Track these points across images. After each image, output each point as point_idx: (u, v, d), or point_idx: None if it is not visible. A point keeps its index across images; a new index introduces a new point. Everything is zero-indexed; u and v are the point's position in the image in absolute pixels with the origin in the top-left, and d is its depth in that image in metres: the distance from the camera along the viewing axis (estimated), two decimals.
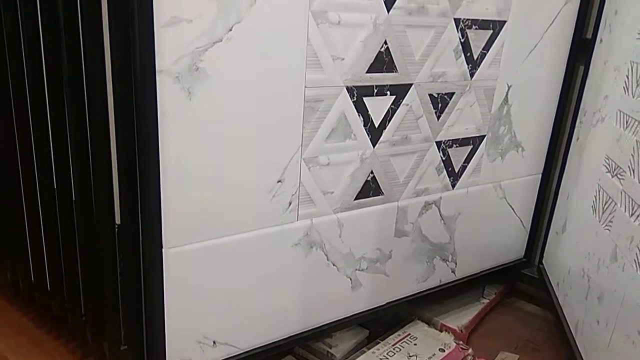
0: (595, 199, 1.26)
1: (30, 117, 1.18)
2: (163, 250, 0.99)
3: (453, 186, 1.43)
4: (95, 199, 1.07)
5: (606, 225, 1.18)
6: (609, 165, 1.20)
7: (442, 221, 1.45)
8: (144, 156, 0.91)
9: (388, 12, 1.13)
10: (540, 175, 1.62)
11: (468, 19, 1.26)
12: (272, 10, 0.98)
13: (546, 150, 1.59)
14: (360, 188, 1.25)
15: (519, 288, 1.79)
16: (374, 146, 1.23)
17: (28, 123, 1.19)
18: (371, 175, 1.25)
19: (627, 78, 1.17)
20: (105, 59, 0.94)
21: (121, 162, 0.97)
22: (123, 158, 0.95)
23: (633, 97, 1.12)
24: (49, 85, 1.10)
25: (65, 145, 1.10)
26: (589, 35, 1.47)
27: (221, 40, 0.94)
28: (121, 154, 0.96)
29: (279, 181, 1.11)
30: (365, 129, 1.20)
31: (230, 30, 0.94)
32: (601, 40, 1.40)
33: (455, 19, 1.24)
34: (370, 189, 1.26)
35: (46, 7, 1.03)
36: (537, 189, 1.63)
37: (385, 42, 1.15)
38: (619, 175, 1.14)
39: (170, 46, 0.88)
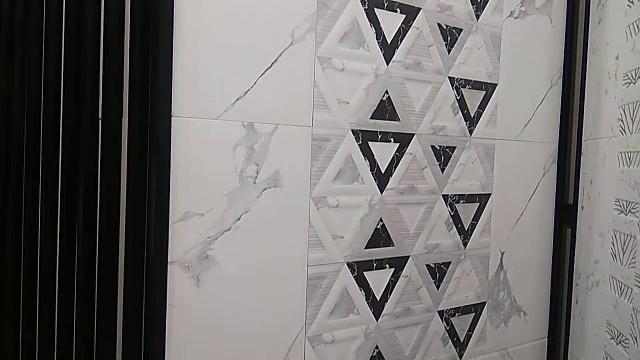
0: None
1: (38, 297, 1.19)
2: None
3: (460, 356, 1.40)
4: None
5: None
6: (611, 331, 1.21)
7: None
8: (150, 347, 0.92)
9: (382, 193, 1.23)
10: (547, 339, 1.59)
11: (455, 194, 1.36)
12: (276, 199, 1.07)
13: (548, 313, 1.59)
14: None
15: None
16: (377, 319, 1.24)
17: (34, 304, 1.19)
18: (376, 350, 1.24)
19: (613, 245, 1.23)
20: (120, 250, 1.00)
21: (126, 352, 0.97)
22: (128, 348, 0.96)
23: (622, 264, 1.17)
24: (60, 267, 1.13)
25: (70, 329, 1.10)
26: (571, 201, 1.57)
27: (230, 229, 1.01)
28: (127, 344, 0.96)
29: None
30: (367, 303, 1.23)
31: (239, 219, 1.02)
32: (582, 207, 1.49)
33: (443, 195, 1.34)
34: None
35: (67, 192, 1.10)
36: (545, 354, 1.59)
37: (381, 220, 1.23)
38: (623, 343, 1.13)
39: (182, 238, 0.95)
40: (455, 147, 1.35)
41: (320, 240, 1.15)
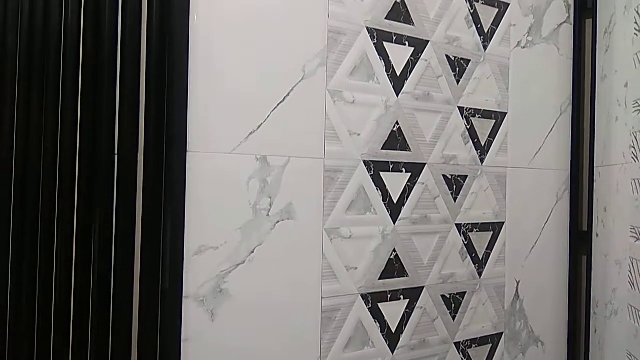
0: None
1: (53, 332, 1.19)
2: None
3: None
4: None
5: None
6: None
7: None
8: None
9: (394, 223, 1.23)
10: None
11: (469, 223, 1.36)
12: (289, 231, 1.07)
13: (566, 343, 1.56)
14: None
15: None
16: (392, 352, 1.22)
17: (49, 340, 1.19)
18: None
19: (630, 274, 1.21)
20: (135, 284, 1.00)
21: None
22: None
23: None
24: (75, 301, 1.13)
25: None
26: (585, 228, 1.56)
27: (244, 262, 1.01)
28: None
29: None
30: (383, 335, 1.21)
31: (253, 252, 1.02)
32: (597, 235, 1.48)
33: (456, 224, 1.33)
34: None
35: (83, 227, 1.11)
36: None
37: (395, 250, 1.23)
38: None
39: (196, 272, 0.95)
40: (467, 176, 1.35)
41: (334, 271, 1.14)
